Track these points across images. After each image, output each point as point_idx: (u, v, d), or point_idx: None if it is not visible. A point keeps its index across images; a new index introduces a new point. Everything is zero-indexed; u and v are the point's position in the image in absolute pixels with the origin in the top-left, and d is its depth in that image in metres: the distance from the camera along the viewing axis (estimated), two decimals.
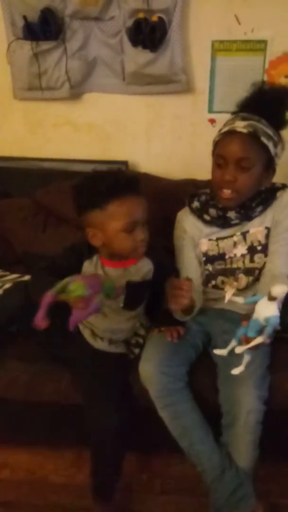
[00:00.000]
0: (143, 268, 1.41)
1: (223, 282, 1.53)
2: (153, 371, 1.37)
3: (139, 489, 1.57)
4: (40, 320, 1.12)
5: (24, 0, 1.84)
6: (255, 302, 1.15)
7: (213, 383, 1.42)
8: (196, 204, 1.55)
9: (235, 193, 1.40)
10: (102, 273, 1.37)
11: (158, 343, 1.45)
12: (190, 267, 1.54)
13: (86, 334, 1.47)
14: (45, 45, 1.89)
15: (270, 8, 1.80)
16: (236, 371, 1.24)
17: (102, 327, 1.45)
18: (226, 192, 1.41)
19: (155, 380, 1.37)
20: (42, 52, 1.90)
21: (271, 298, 1.10)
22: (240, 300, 1.19)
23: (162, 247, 1.52)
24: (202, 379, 1.45)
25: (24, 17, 1.85)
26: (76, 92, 2.02)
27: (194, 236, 1.55)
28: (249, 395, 1.33)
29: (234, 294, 1.19)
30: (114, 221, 1.26)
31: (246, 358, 1.23)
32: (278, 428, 1.43)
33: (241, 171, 1.37)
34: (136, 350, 1.52)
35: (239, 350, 1.19)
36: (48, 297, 1.12)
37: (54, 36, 1.87)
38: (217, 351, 1.29)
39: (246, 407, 1.32)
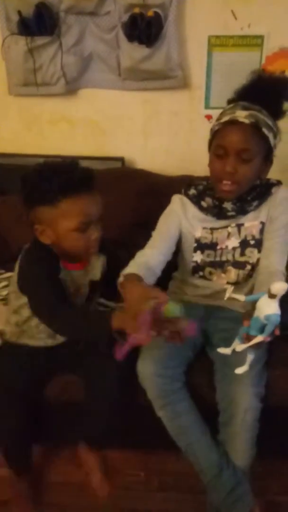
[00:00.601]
0: (99, 262, 1.40)
1: (210, 273, 1.52)
2: (151, 372, 1.37)
3: (137, 487, 1.58)
4: (145, 339, 1.05)
5: None
6: (255, 300, 1.14)
7: (210, 382, 1.42)
8: (193, 191, 1.54)
9: (235, 184, 1.38)
10: (67, 276, 1.32)
11: (156, 344, 1.44)
12: (162, 240, 1.50)
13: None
14: (40, 40, 1.87)
15: (267, 3, 1.79)
16: (239, 370, 1.23)
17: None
18: (226, 184, 1.38)
19: (153, 381, 1.37)
20: (37, 47, 1.88)
21: (271, 296, 1.09)
22: (241, 298, 1.18)
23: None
24: (199, 377, 1.45)
25: (19, 12, 1.83)
26: (71, 87, 2.00)
27: (186, 217, 1.53)
28: (246, 393, 1.32)
29: (233, 292, 1.18)
30: (66, 220, 1.21)
31: (250, 357, 1.22)
32: (275, 426, 1.43)
33: (242, 162, 1.34)
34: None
35: (239, 348, 1.18)
36: (147, 315, 1.04)
37: (49, 31, 1.86)
38: (221, 350, 1.27)
39: (243, 405, 1.32)
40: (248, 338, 1.16)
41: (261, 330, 1.14)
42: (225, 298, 1.18)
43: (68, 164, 1.24)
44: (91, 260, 1.39)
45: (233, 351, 1.23)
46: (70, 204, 1.20)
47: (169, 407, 1.37)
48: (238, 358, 1.24)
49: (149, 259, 1.42)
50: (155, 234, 1.54)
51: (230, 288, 1.19)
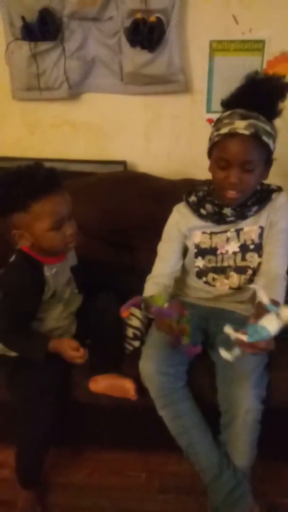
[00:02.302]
0: (72, 250, 1.48)
1: (214, 279, 1.54)
2: (153, 370, 1.38)
3: (137, 488, 1.58)
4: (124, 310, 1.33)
5: (22, 0, 1.84)
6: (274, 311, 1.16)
7: (212, 382, 1.43)
8: (193, 198, 1.55)
9: (240, 193, 1.40)
10: (51, 270, 1.39)
11: (158, 342, 1.46)
12: (170, 259, 1.56)
13: None
14: (43, 46, 1.88)
15: (268, 8, 1.80)
16: (224, 354, 1.22)
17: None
18: (231, 193, 1.39)
19: (155, 379, 1.38)
20: (40, 52, 1.90)
21: (282, 319, 1.13)
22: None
23: None
24: (201, 378, 1.46)
25: (23, 18, 1.85)
26: (74, 92, 2.02)
27: (187, 228, 1.55)
28: (247, 394, 1.33)
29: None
30: (40, 221, 1.25)
31: (237, 352, 1.21)
32: (276, 428, 1.44)
33: (245, 172, 1.35)
34: (136, 343, 1.54)
35: (233, 335, 1.18)
36: (137, 299, 1.32)
37: (52, 37, 1.87)
38: (223, 353, 1.26)
39: (244, 407, 1.32)
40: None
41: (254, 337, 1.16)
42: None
43: (30, 167, 1.28)
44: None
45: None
46: (40, 206, 1.24)
47: (171, 407, 1.38)
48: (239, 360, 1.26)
49: (159, 280, 1.52)
50: (161, 250, 1.59)
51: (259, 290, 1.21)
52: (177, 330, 1.27)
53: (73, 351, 1.35)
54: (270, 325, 1.14)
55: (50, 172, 1.28)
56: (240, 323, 1.20)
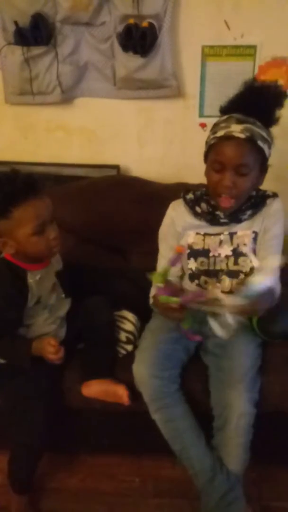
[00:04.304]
0: (57, 255, 1.48)
1: (206, 282, 1.54)
2: (147, 374, 1.38)
3: (131, 493, 1.58)
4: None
5: (15, 5, 1.85)
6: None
7: (204, 386, 1.43)
8: (190, 195, 1.55)
9: (233, 199, 1.39)
10: (35, 277, 1.38)
11: (151, 345, 1.46)
12: (168, 256, 1.55)
13: None
14: (36, 50, 1.89)
15: (259, 14, 1.82)
16: (218, 330, 1.25)
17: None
18: (226, 199, 1.39)
19: (149, 383, 1.38)
20: (33, 57, 1.90)
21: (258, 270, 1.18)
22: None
23: None
24: (194, 382, 1.46)
25: (15, 23, 1.86)
26: (67, 96, 2.03)
27: (181, 227, 1.55)
28: (240, 398, 1.33)
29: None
30: (22, 227, 1.26)
31: (230, 323, 1.22)
32: (269, 431, 1.44)
33: (239, 176, 1.35)
34: (128, 347, 1.54)
35: (227, 300, 1.20)
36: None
37: (45, 41, 1.88)
38: (217, 330, 1.27)
39: (237, 411, 1.33)
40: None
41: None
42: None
43: (7, 174, 1.29)
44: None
45: (221, 350, 1.25)
46: (21, 212, 1.24)
47: (165, 410, 1.38)
48: (231, 361, 1.27)
49: None
50: (160, 248, 1.60)
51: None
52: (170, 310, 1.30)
53: (50, 354, 1.33)
54: (257, 278, 1.16)
55: (28, 177, 1.29)
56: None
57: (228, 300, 1.21)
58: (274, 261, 1.38)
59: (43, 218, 1.28)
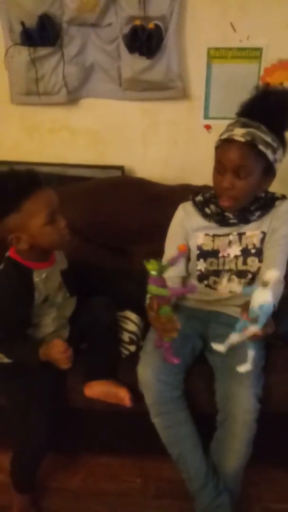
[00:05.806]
0: (61, 254, 1.49)
1: (215, 282, 1.54)
2: (152, 377, 1.38)
3: (133, 493, 1.58)
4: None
5: (22, 6, 1.86)
6: (250, 293, 1.17)
7: (207, 388, 1.44)
8: (199, 198, 1.57)
9: (232, 200, 1.42)
10: (41, 275, 1.39)
11: (156, 350, 1.46)
12: (172, 255, 1.55)
13: None
14: (42, 51, 1.90)
15: (265, 16, 1.82)
16: (242, 368, 1.26)
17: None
18: (225, 199, 1.42)
19: (153, 386, 1.38)
20: (39, 57, 1.91)
21: (264, 284, 1.12)
22: (238, 289, 1.20)
23: None
24: (196, 383, 1.46)
25: (22, 23, 1.86)
26: (73, 97, 2.03)
27: (190, 228, 1.56)
28: (246, 394, 1.34)
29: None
30: (34, 218, 1.27)
31: (251, 354, 1.24)
32: (271, 433, 1.44)
33: (239, 178, 1.37)
34: (131, 347, 1.54)
35: (234, 338, 1.20)
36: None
37: (51, 42, 1.89)
38: (215, 346, 1.30)
39: (244, 406, 1.34)
40: (246, 332, 1.19)
41: (255, 321, 1.16)
42: (221, 285, 1.20)
43: (10, 171, 1.31)
44: (57, 252, 1.48)
45: (228, 350, 1.25)
46: (31, 203, 1.26)
47: (166, 415, 1.39)
48: (240, 357, 1.28)
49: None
50: (166, 248, 1.60)
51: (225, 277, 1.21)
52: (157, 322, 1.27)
53: (59, 354, 1.33)
54: (263, 297, 1.13)
55: (30, 171, 1.31)
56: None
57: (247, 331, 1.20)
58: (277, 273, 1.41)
59: (52, 206, 1.30)
